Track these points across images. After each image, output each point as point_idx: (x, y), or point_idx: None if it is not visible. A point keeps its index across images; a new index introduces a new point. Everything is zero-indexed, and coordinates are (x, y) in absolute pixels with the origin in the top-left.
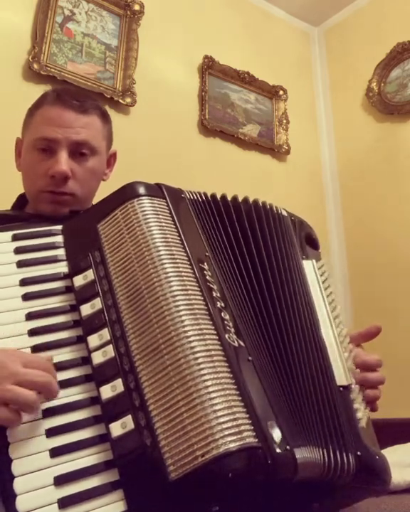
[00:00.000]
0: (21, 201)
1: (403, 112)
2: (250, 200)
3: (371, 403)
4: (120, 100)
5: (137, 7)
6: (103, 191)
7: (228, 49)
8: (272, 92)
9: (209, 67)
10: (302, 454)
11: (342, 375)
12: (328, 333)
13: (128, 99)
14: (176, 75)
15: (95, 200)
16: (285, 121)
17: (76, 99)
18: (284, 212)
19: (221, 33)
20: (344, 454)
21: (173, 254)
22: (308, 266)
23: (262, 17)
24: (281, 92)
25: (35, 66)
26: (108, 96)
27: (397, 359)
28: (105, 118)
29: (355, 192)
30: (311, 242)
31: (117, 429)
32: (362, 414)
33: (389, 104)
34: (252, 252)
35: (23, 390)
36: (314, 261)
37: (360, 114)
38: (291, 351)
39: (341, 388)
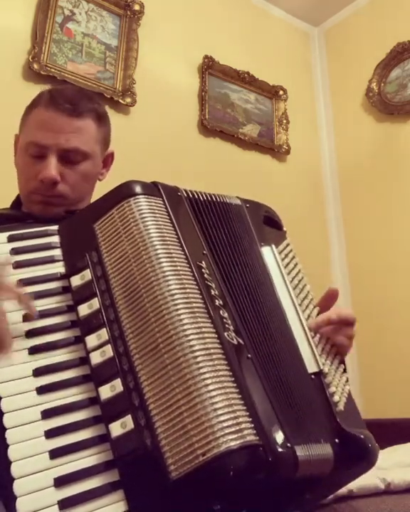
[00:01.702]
0: (21, 199)
1: (403, 112)
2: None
3: (345, 348)
4: (120, 100)
5: (137, 7)
6: (101, 191)
7: (228, 49)
8: (272, 92)
9: (209, 67)
10: (302, 451)
11: (312, 362)
12: (294, 320)
13: (128, 99)
14: (176, 75)
15: (93, 200)
16: (285, 121)
17: (70, 102)
18: (237, 201)
19: (221, 33)
20: (323, 445)
21: (170, 253)
22: (268, 253)
23: (262, 17)
24: (281, 92)
25: (35, 66)
26: (108, 96)
27: (397, 359)
28: (101, 120)
29: (355, 192)
30: (271, 224)
31: (116, 429)
32: (339, 396)
33: (389, 104)
34: (221, 249)
35: None
36: (273, 246)
37: (360, 114)
38: (266, 346)
39: (312, 376)
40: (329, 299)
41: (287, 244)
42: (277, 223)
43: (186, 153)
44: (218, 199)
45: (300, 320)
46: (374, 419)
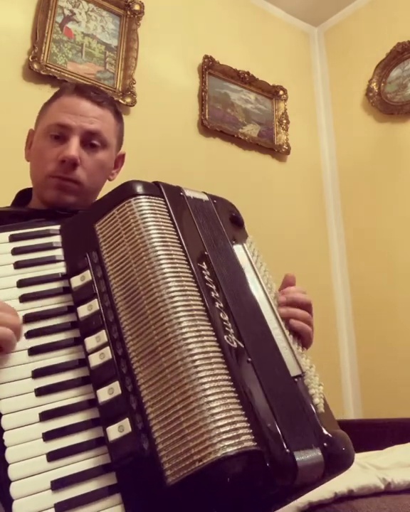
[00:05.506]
0: (21, 198)
1: (403, 112)
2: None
3: (303, 338)
4: (120, 100)
5: (137, 7)
6: (104, 191)
7: (228, 49)
8: (272, 92)
9: (209, 67)
10: (300, 457)
11: (293, 364)
12: (272, 321)
13: (128, 99)
14: (176, 75)
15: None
16: (285, 121)
17: (94, 92)
18: (206, 197)
19: (221, 33)
20: (314, 450)
21: (171, 254)
22: (239, 251)
23: (262, 17)
24: (281, 92)
25: (35, 66)
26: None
27: (397, 360)
28: (119, 116)
29: (355, 192)
30: (235, 221)
31: (114, 432)
32: (319, 398)
33: (389, 104)
34: (215, 250)
35: None
36: (244, 245)
37: (360, 114)
38: (260, 349)
39: (295, 379)
40: (287, 286)
41: (251, 242)
42: (240, 220)
43: (186, 153)
44: (200, 196)
45: (278, 320)
46: (373, 419)
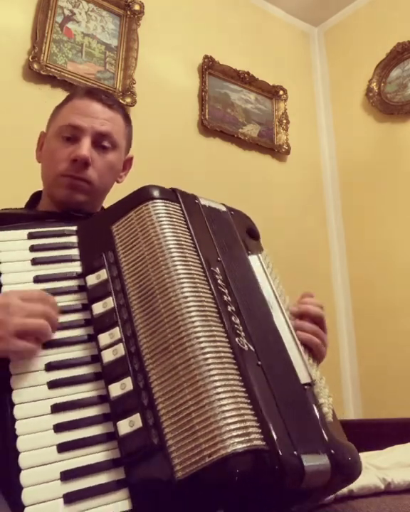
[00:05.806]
0: (35, 200)
1: (403, 112)
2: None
3: (312, 350)
4: (120, 100)
5: (137, 7)
6: (110, 193)
7: (228, 49)
8: (272, 92)
9: (209, 67)
10: (308, 461)
11: (303, 372)
12: (284, 329)
13: (128, 99)
14: (176, 75)
15: (107, 204)
16: (285, 121)
17: (104, 95)
18: (222, 208)
19: (221, 33)
20: (321, 456)
21: (185, 257)
22: (255, 261)
23: (262, 17)
24: (281, 92)
25: (35, 66)
26: None
27: (397, 360)
28: (128, 120)
29: (355, 192)
30: (251, 234)
31: (124, 427)
32: (328, 407)
33: (389, 104)
34: (228, 257)
35: (35, 320)
36: (259, 255)
37: (360, 114)
38: (271, 354)
39: (305, 387)
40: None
41: (266, 255)
42: (256, 233)
43: (186, 153)
44: (217, 206)
45: (290, 329)
46: (374, 419)
